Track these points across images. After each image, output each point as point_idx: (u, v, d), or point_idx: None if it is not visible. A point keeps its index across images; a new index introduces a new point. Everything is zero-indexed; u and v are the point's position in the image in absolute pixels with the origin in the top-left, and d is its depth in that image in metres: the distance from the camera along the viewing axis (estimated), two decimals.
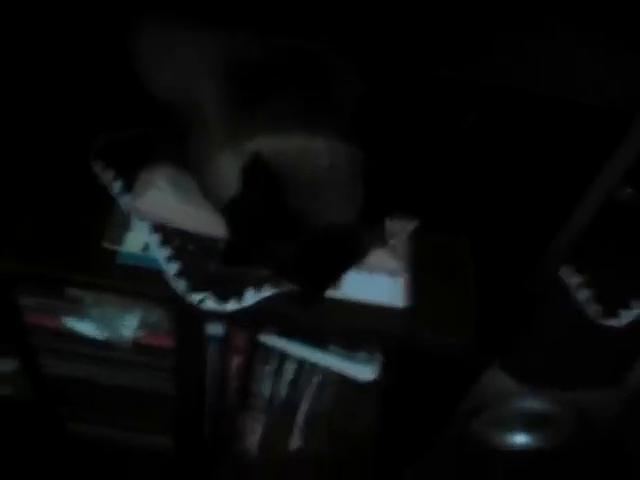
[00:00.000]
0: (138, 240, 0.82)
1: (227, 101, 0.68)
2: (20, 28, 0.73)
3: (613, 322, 0.90)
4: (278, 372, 1.12)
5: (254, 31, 0.67)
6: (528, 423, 1.09)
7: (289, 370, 1.12)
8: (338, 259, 0.72)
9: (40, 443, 1.21)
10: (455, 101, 0.78)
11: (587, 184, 0.59)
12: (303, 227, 0.67)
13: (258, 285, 0.79)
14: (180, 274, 0.79)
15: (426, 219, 0.83)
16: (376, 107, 0.73)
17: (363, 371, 1.02)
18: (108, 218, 0.84)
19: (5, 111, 0.77)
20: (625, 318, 0.90)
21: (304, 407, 1.16)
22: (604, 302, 0.90)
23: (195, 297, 0.78)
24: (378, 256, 0.78)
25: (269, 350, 1.07)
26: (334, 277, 0.74)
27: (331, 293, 0.77)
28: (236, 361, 1.05)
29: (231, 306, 0.79)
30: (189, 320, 0.93)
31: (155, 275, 0.80)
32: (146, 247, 0.82)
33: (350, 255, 0.72)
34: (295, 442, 1.21)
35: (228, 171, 0.69)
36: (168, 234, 0.82)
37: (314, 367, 1.09)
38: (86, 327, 0.95)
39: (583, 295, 0.90)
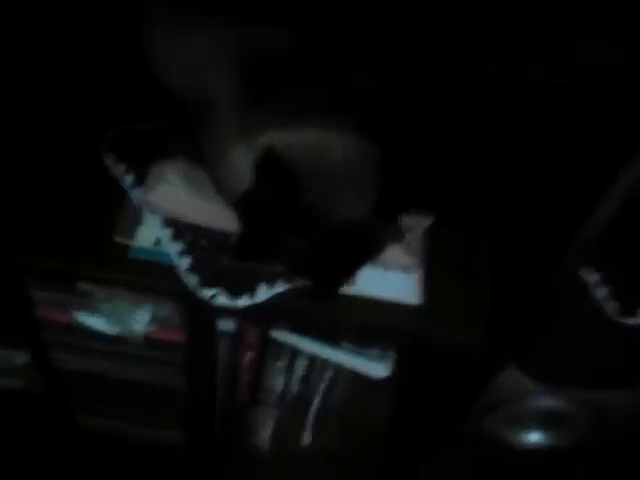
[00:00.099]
0: (150, 234, 0.82)
1: (240, 94, 0.68)
2: (34, 20, 0.73)
3: (631, 320, 0.89)
4: (290, 368, 1.12)
5: (268, 23, 0.66)
6: (543, 421, 1.08)
7: (301, 366, 1.11)
8: (352, 255, 0.71)
9: (51, 437, 1.21)
10: (473, 95, 0.77)
11: (610, 180, 0.58)
12: (316, 222, 0.66)
13: (271, 281, 0.78)
14: (192, 269, 0.79)
15: (442, 216, 0.82)
16: (391, 101, 0.72)
17: (376, 368, 1.01)
18: (120, 212, 0.83)
19: (18, 104, 0.76)
20: None
21: (316, 403, 1.16)
22: (622, 300, 0.89)
23: (207, 292, 0.78)
24: (392, 252, 0.77)
25: (281, 346, 1.06)
26: (348, 273, 0.73)
27: (344, 289, 0.76)
28: (248, 356, 1.05)
29: (243, 302, 0.78)
30: (201, 315, 0.92)
31: (167, 270, 0.79)
32: (158, 241, 0.81)
33: (364, 251, 0.71)
34: (307, 438, 1.21)
35: (241, 165, 0.68)
36: (180, 228, 0.81)
37: (326, 363, 1.09)
38: (97, 322, 0.95)
39: (601, 293, 0.88)
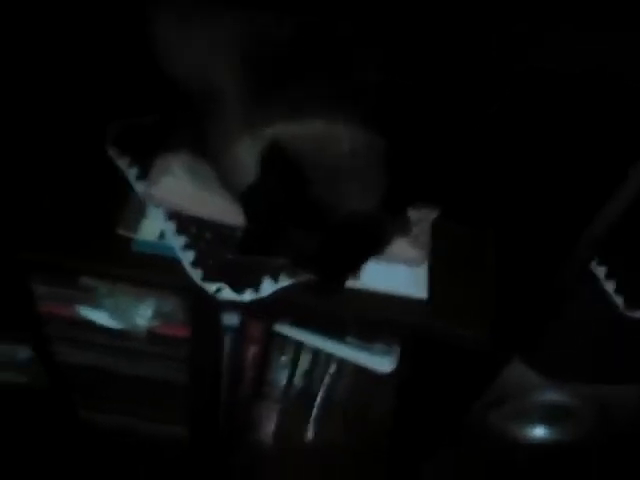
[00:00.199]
0: (154, 228, 0.81)
1: (246, 86, 0.67)
2: (37, 13, 0.72)
3: (638, 314, 0.89)
4: (294, 362, 1.12)
5: (274, 12, 0.65)
6: (549, 416, 1.08)
7: (305, 360, 1.11)
8: (358, 249, 0.70)
9: (54, 432, 1.21)
10: (480, 87, 0.76)
11: (621, 173, 0.57)
12: (322, 215, 0.66)
13: (275, 275, 0.78)
14: (196, 263, 0.78)
15: (449, 208, 0.82)
16: (397, 93, 0.71)
17: (380, 362, 1.01)
18: (124, 205, 0.83)
19: (21, 98, 0.76)
20: None
21: (319, 397, 1.16)
22: (628, 294, 0.88)
23: (211, 287, 0.77)
24: (399, 245, 0.77)
25: (285, 340, 1.06)
26: (354, 267, 0.72)
27: (350, 283, 0.76)
28: (252, 351, 1.04)
29: (248, 296, 0.77)
30: (205, 310, 0.92)
31: (171, 264, 0.79)
32: (162, 235, 0.80)
33: (371, 245, 0.70)
34: (310, 432, 1.21)
35: (246, 157, 0.67)
36: (184, 222, 0.81)
37: (330, 357, 1.08)
38: (100, 316, 0.95)
39: (610, 287, 0.88)
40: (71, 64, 0.82)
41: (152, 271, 0.79)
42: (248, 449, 1.23)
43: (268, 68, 0.67)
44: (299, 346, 1.08)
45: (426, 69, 0.73)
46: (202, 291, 0.77)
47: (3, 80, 0.74)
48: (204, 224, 0.80)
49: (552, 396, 1.04)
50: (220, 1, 0.67)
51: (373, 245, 0.71)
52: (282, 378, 1.13)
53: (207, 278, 0.77)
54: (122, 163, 0.85)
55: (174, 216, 0.81)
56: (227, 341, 1.00)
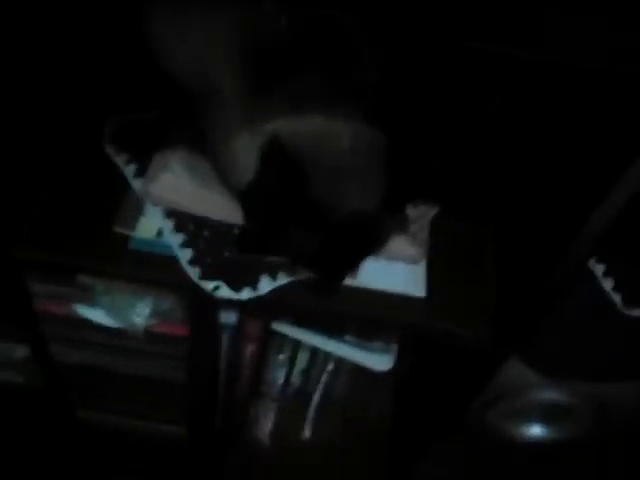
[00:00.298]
0: (151, 225, 0.80)
1: (245, 82, 0.66)
2: (36, 8, 0.71)
3: (636, 312, 0.89)
4: (291, 360, 1.11)
5: (274, 8, 0.65)
6: (546, 414, 1.08)
7: (303, 358, 1.11)
8: (357, 247, 0.70)
9: (51, 431, 1.20)
10: (480, 84, 0.76)
11: (621, 169, 0.57)
12: (322, 213, 0.65)
13: (273, 273, 0.78)
14: (194, 261, 0.78)
15: (448, 206, 0.81)
16: (398, 89, 0.71)
17: (379, 361, 1.01)
18: (121, 202, 0.82)
19: (18, 94, 0.75)
20: None
21: (317, 396, 1.16)
22: (626, 292, 0.88)
23: (209, 285, 0.77)
24: (398, 243, 0.76)
25: (283, 338, 1.06)
26: (352, 265, 0.72)
27: (348, 281, 0.75)
28: (249, 349, 1.04)
29: (245, 294, 0.77)
30: (202, 308, 0.91)
31: (168, 262, 0.78)
32: (160, 233, 0.80)
33: (369, 243, 0.70)
34: (307, 431, 1.21)
35: (245, 154, 0.67)
36: (182, 220, 0.80)
37: (328, 356, 1.08)
38: (97, 315, 0.94)
39: (608, 284, 0.88)
40: (68, 60, 0.82)
41: (149, 269, 0.79)
42: (245, 447, 1.23)
43: (267, 63, 0.66)
44: (297, 344, 1.07)
45: (426, 65, 0.73)
46: (200, 289, 0.77)
47: (1, 76, 0.73)
48: (202, 222, 0.80)
49: (550, 394, 1.04)
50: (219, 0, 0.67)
51: (372, 243, 0.70)
52: (280, 376, 1.13)
53: (205, 276, 0.77)
54: (120, 160, 0.84)
55: (172, 214, 0.80)
56: (225, 339, 1.00)
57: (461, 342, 0.82)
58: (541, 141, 0.78)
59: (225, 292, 0.77)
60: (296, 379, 1.14)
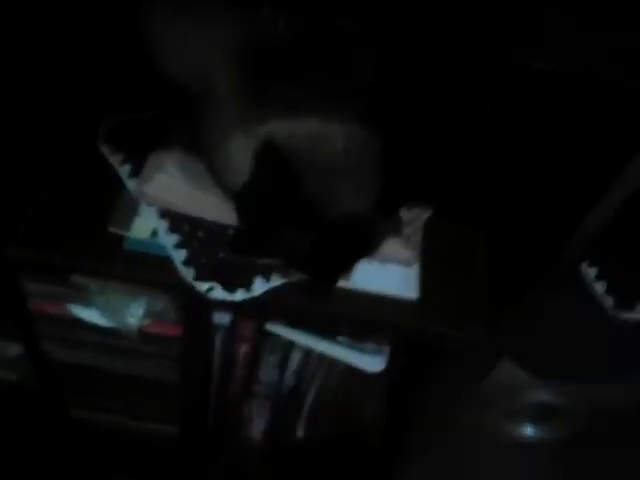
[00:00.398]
0: (146, 226, 0.81)
1: (240, 83, 0.67)
2: (30, 10, 0.71)
3: (627, 315, 0.89)
4: (285, 361, 1.12)
5: (271, 11, 0.65)
6: (538, 415, 1.09)
7: (296, 359, 1.11)
8: (350, 250, 0.70)
9: (44, 429, 1.20)
10: (474, 88, 0.76)
11: (613, 174, 0.57)
12: (316, 215, 0.66)
13: (267, 274, 0.78)
14: (188, 262, 0.78)
15: (441, 208, 0.82)
16: (392, 92, 0.71)
17: (371, 362, 1.01)
18: (116, 202, 0.82)
19: (13, 94, 0.75)
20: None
21: (310, 396, 1.16)
22: (618, 295, 0.89)
23: (203, 286, 0.77)
24: (391, 246, 0.77)
25: (276, 339, 1.06)
26: (346, 268, 0.72)
27: (341, 283, 0.76)
28: (243, 349, 1.04)
29: (239, 295, 0.77)
30: (196, 309, 0.92)
31: (162, 262, 0.78)
32: (154, 233, 0.80)
33: (363, 246, 0.71)
34: (300, 431, 1.21)
35: (240, 155, 0.67)
36: (177, 220, 0.80)
37: (321, 356, 1.08)
38: (91, 315, 0.94)
39: (600, 288, 0.88)
40: (64, 60, 0.82)
41: (144, 270, 0.79)
42: (239, 447, 1.24)
43: (263, 66, 0.67)
44: (290, 345, 1.07)
45: (421, 68, 0.74)
46: (194, 290, 0.77)
47: None
48: (197, 223, 0.80)
49: (541, 395, 1.04)
50: (216, 2, 0.67)
51: (365, 246, 0.71)
52: (273, 377, 1.13)
53: (199, 277, 0.77)
54: (115, 160, 0.84)
55: (166, 214, 0.81)
56: (218, 340, 1.00)
57: (453, 344, 0.82)
58: (534, 145, 0.78)
59: (219, 293, 0.77)
60: (289, 379, 1.14)
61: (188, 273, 0.77)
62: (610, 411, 1.08)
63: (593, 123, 0.66)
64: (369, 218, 0.68)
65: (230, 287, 0.77)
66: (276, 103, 0.66)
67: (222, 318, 0.97)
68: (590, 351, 0.95)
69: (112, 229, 0.80)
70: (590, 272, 0.89)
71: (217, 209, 0.77)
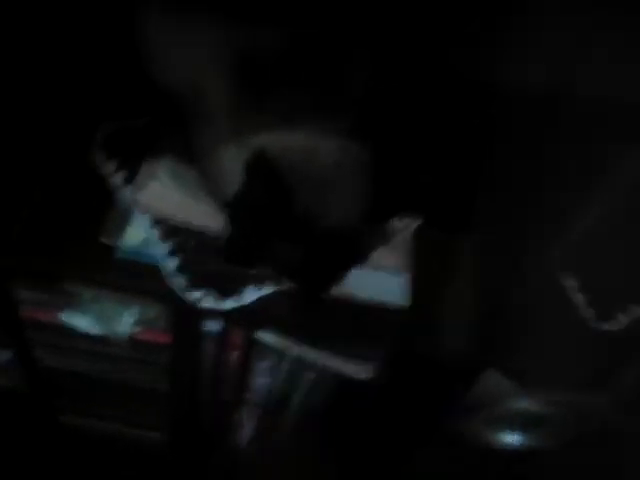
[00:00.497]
0: (138, 234, 0.82)
1: (234, 94, 0.68)
2: (25, 16, 0.72)
3: (608, 326, 0.90)
4: (274, 368, 1.12)
5: (265, 24, 0.66)
6: (523, 423, 1.10)
7: (285, 366, 1.11)
8: (341, 260, 0.71)
9: (34, 435, 1.20)
10: (461, 103, 0.78)
11: (591, 188, 0.59)
12: (306, 225, 0.67)
13: (258, 283, 0.79)
14: (179, 270, 0.79)
15: (430, 218, 0.83)
16: (384, 106, 0.73)
17: (359, 370, 1.02)
18: (109, 210, 0.83)
19: (7, 102, 0.76)
20: (622, 321, 0.90)
21: (299, 403, 1.16)
22: (598, 306, 0.90)
23: (193, 294, 0.78)
24: (381, 254, 0.78)
25: (266, 346, 1.06)
26: (336, 277, 0.73)
27: (332, 291, 0.76)
28: (233, 357, 1.05)
29: (229, 304, 0.78)
30: (187, 317, 0.92)
31: (154, 271, 0.79)
32: (146, 241, 0.81)
33: (354, 255, 0.72)
34: (289, 438, 1.21)
35: (231, 165, 0.68)
36: (169, 229, 0.81)
37: (310, 364, 1.09)
38: (83, 322, 0.94)
39: (581, 299, 0.89)
40: (59, 69, 0.82)
41: (135, 278, 0.80)
42: (228, 453, 1.24)
43: (256, 78, 0.68)
44: (279, 352, 1.08)
45: (412, 82, 0.75)
46: (185, 298, 0.78)
47: None
48: (188, 231, 0.81)
49: (526, 404, 1.05)
50: (211, 11, 0.68)
51: (355, 256, 0.72)
52: (262, 384, 1.13)
53: (190, 285, 0.78)
54: (108, 169, 0.85)
55: (159, 223, 0.81)
56: (208, 347, 1.01)
57: (442, 352, 0.83)
58: (521, 157, 0.79)
59: (209, 302, 0.78)
60: (278, 386, 1.15)
61: (179, 281, 0.78)
62: (593, 418, 1.09)
63: (574, 140, 0.67)
64: (359, 228, 0.69)
65: (220, 296, 0.78)
66: (268, 115, 0.67)
67: (213, 326, 0.97)
68: (573, 359, 0.96)
69: (104, 238, 0.81)
70: (571, 283, 0.90)
71: (209, 218, 0.78)
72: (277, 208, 0.66)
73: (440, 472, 1.15)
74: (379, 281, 0.81)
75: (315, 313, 0.78)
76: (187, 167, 0.79)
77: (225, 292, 0.78)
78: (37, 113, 0.83)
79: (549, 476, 1.20)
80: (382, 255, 0.79)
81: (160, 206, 0.81)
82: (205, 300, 0.78)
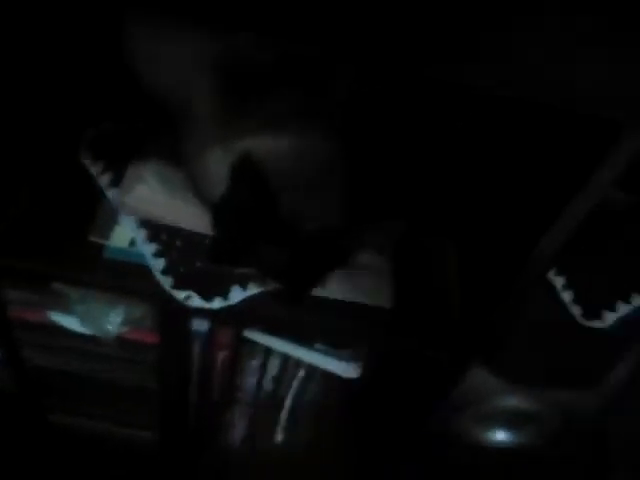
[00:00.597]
0: (125, 234, 0.82)
1: (219, 98, 0.68)
2: (13, 22, 0.72)
3: (596, 323, 0.91)
4: (263, 367, 1.13)
5: (249, 32, 0.66)
6: (511, 421, 1.10)
7: (274, 365, 1.12)
8: (324, 261, 0.72)
9: (23, 435, 1.20)
10: (445, 106, 0.78)
11: (578, 186, 0.59)
12: (291, 228, 0.67)
13: (244, 283, 0.79)
14: (166, 270, 0.79)
15: (413, 220, 0.83)
16: (368, 110, 0.73)
17: (346, 368, 1.02)
18: (96, 211, 0.83)
19: None
20: (609, 319, 0.90)
21: (289, 401, 1.17)
22: (585, 304, 0.91)
23: (180, 294, 0.78)
24: (363, 255, 0.79)
25: (254, 345, 1.07)
26: (319, 278, 0.74)
27: (316, 292, 0.77)
28: (221, 356, 1.05)
29: (217, 304, 0.79)
30: (174, 317, 0.93)
31: (141, 271, 0.80)
32: (133, 242, 0.81)
33: (337, 257, 0.72)
34: (279, 436, 1.22)
35: (217, 168, 0.69)
36: (155, 229, 0.82)
37: (298, 362, 1.09)
38: (71, 322, 0.95)
39: (567, 297, 0.90)
40: (47, 72, 0.83)
41: (123, 278, 0.80)
42: (218, 453, 1.24)
43: (242, 82, 0.68)
44: (268, 351, 1.09)
45: (394, 86, 0.75)
46: (172, 298, 0.79)
47: None
48: (175, 232, 0.82)
49: (514, 401, 1.06)
50: (197, 19, 0.68)
51: (339, 257, 0.72)
52: (252, 383, 1.14)
53: (177, 285, 0.79)
54: (95, 169, 0.85)
55: (145, 224, 0.82)
56: (197, 346, 1.01)
57: (426, 352, 0.84)
58: (501, 159, 0.80)
59: (196, 301, 0.79)
60: (268, 385, 1.15)
61: (166, 281, 0.79)
62: (581, 416, 1.10)
63: (557, 141, 0.68)
64: (343, 230, 0.70)
65: (207, 295, 0.79)
66: (253, 119, 0.67)
67: (200, 325, 0.98)
68: (561, 356, 0.96)
69: (92, 238, 0.81)
70: (558, 281, 0.91)
71: (195, 219, 0.79)
72: (262, 211, 0.67)
73: (427, 469, 1.16)
74: (362, 282, 0.82)
75: (299, 312, 0.78)
76: (174, 170, 0.79)
77: (212, 292, 0.79)
78: (24, 112, 0.83)
79: (536, 474, 1.20)
80: (365, 257, 0.80)
81: (148, 209, 0.81)
82: (192, 299, 0.78)
